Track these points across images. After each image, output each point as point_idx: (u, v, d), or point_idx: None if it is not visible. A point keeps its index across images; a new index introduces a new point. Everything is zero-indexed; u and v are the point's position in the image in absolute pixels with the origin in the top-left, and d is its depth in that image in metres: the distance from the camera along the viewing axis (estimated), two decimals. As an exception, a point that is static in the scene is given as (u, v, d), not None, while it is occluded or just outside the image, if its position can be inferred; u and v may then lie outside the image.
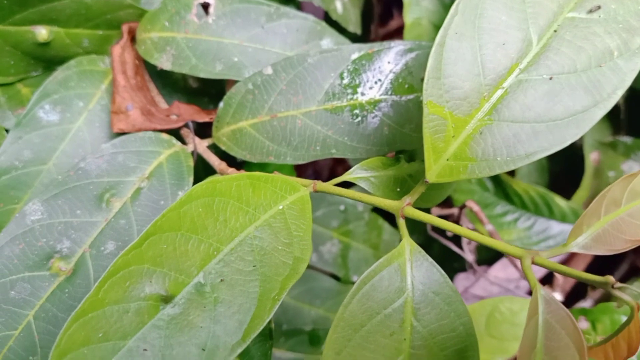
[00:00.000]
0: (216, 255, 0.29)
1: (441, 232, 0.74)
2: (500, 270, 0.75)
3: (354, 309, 0.29)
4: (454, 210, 0.73)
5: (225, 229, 0.30)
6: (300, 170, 0.92)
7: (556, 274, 0.63)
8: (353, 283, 0.65)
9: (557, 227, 0.73)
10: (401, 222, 0.32)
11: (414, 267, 0.30)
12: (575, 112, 0.30)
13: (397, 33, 1.05)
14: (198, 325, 0.28)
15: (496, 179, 0.75)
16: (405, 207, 0.32)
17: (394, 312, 0.30)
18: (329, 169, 0.97)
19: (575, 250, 0.28)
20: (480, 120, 0.31)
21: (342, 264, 0.69)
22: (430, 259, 0.31)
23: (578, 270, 0.27)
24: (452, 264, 0.83)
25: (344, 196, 0.35)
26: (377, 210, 0.69)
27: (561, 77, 0.31)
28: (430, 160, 0.31)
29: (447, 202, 0.77)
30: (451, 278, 0.79)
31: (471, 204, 0.56)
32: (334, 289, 0.67)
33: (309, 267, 0.67)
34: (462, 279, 0.78)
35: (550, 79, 0.30)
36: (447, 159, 0.31)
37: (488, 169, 0.30)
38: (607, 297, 0.73)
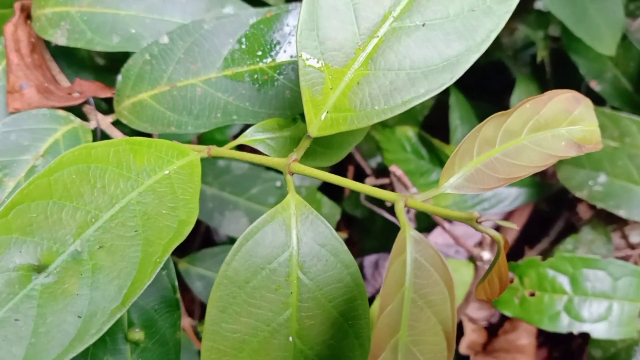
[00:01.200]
0: (94, 223, 0.29)
1: (380, 203, 0.74)
2: (439, 236, 0.76)
3: (236, 265, 0.29)
4: (389, 180, 0.74)
5: (104, 196, 0.29)
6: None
7: (485, 236, 0.64)
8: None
9: (490, 190, 0.74)
10: (289, 178, 0.32)
11: (299, 221, 0.30)
12: (449, 57, 0.30)
13: None
14: (74, 293, 0.27)
15: (430, 147, 0.75)
16: (291, 163, 0.32)
17: (279, 267, 0.29)
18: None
19: (448, 190, 0.28)
20: (357, 71, 0.30)
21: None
22: (316, 213, 0.31)
23: (447, 210, 0.27)
24: (394, 234, 0.83)
25: (237, 159, 0.35)
26: (324, 188, 0.69)
27: (434, 23, 0.31)
28: (310, 113, 0.31)
29: (386, 173, 0.77)
30: (391, 247, 0.80)
31: (394, 168, 0.57)
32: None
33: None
34: (403, 247, 0.79)
35: (424, 25, 0.31)
36: (328, 112, 0.31)
37: (366, 118, 0.30)
38: (544, 255, 0.75)
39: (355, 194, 0.85)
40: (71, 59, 0.48)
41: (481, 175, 0.28)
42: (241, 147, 0.37)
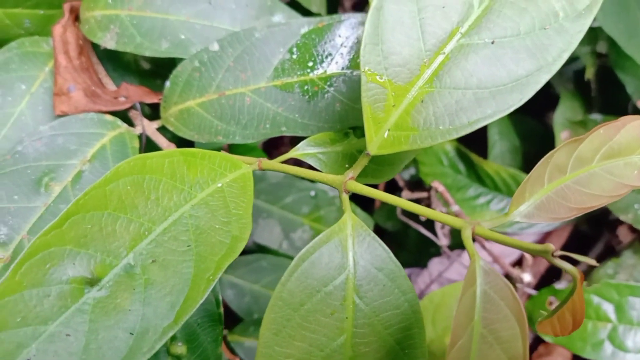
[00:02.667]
0: (147, 236, 0.28)
1: (414, 217, 0.73)
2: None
3: (292, 287, 0.28)
4: (426, 194, 0.72)
5: (157, 208, 0.29)
6: (272, 156, 0.91)
7: (526, 256, 0.62)
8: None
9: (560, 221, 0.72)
10: (344, 197, 0.31)
11: (355, 243, 0.29)
12: (519, 77, 0.29)
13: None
14: (127, 308, 0.27)
15: (468, 161, 0.74)
16: (347, 181, 0.31)
17: (335, 290, 0.28)
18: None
19: (517, 219, 0.27)
20: (421, 88, 0.29)
21: (314, 250, 0.67)
22: (373, 234, 0.30)
23: (519, 240, 0.26)
24: (428, 249, 0.82)
25: (289, 173, 0.34)
26: (354, 197, 0.68)
27: (504, 41, 0.29)
28: (371, 131, 0.29)
29: (421, 186, 0.76)
30: (426, 263, 0.78)
31: (437, 184, 0.55)
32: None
33: (281, 255, 0.66)
34: (436, 263, 0.78)
35: (493, 43, 0.29)
36: (389, 130, 0.30)
37: (430, 138, 0.29)
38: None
39: (386, 206, 0.83)
40: (116, 62, 0.48)
41: (552, 203, 0.27)
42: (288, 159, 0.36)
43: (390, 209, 0.81)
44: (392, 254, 0.29)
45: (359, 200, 0.69)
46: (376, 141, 0.30)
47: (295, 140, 0.38)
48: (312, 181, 0.64)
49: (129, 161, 0.29)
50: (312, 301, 0.28)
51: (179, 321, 0.27)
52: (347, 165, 0.36)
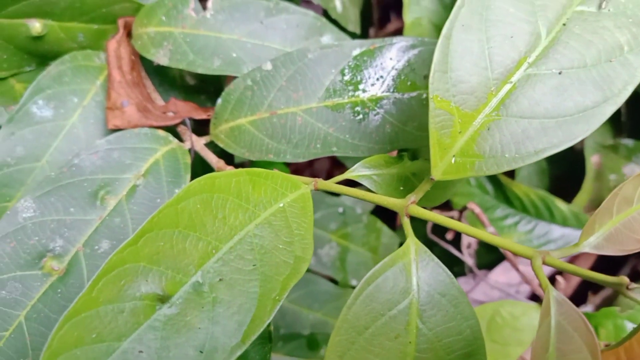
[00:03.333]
0: (215, 254, 0.28)
1: (440, 235, 0.73)
2: (501, 274, 0.74)
3: (357, 310, 0.28)
4: (454, 214, 0.72)
5: (224, 227, 0.29)
6: (298, 172, 0.91)
7: (557, 278, 0.62)
8: (352, 287, 0.64)
9: (558, 231, 0.72)
10: (406, 221, 0.31)
11: (419, 268, 0.29)
12: (585, 108, 0.29)
13: (396, 34, 1.04)
14: (196, 326, 0.27)
15: (496, 182, 0.74)
16: (409, 205, 0.31)
17: (399, 314, 0.28)
18: (327, 172, 0.96)
19: (587, 250, 0.27)
20: (487, 116, 0.30)
21: (340, 267, 0.68)
22: (436, 259, 0.30)
23: (589, 272, 0.26)
24: (452, 268, 0.81)
25: (346, 194, 0.34)
26: (376, 212, 0.68)
27: (570, 72, 0.30)
28: (437, 156, 0.30)
29: (447, 205, 0.76)
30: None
31: (473, 206, 0.55)
32: (333, 293, 0.66)
33: (308, 270, 0.66)
34: (462, 283, 0.77)
35: (560, 73, 0.30)
36: (454, 156, 0.30)
37: (496, 165, 0.29)
38: (608, 302, 0.72)
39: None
40: (163, 77, 0.49)
41: (620, 235, 0.27)
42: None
43: (413, 226, 0.82)
44: (455, 280, 0.29)
45: (380, 215, 0.69)
46: (441, 166, 0.30)
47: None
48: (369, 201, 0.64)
49: (199, 180, 0.29)
50: (376, 325, 0.28)
51: (246, 341, 0.27)
52: (401, 188, 0.36)
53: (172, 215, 0.28)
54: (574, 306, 0.25)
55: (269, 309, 0.28)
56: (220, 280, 0.28)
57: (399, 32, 1.03)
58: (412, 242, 0.30)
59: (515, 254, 0.28)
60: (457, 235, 0.74)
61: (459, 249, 0.72)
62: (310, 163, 0.94)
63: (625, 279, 0.24)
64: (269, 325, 0.37)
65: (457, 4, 0.30)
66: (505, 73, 0.30)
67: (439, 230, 0.72)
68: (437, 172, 0.30)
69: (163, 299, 0.27)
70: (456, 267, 0.80)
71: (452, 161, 0.30)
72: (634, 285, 0.25)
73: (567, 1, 0.31)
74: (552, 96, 0.30)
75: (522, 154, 0.29)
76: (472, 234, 0.29)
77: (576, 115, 0.29)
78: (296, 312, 0.66)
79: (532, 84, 0.30)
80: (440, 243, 0.71)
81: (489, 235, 0.29)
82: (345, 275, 0.68)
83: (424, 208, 0.33)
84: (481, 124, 0.30)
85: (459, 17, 0.30)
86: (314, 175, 1.02)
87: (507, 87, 0.30)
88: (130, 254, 0.26)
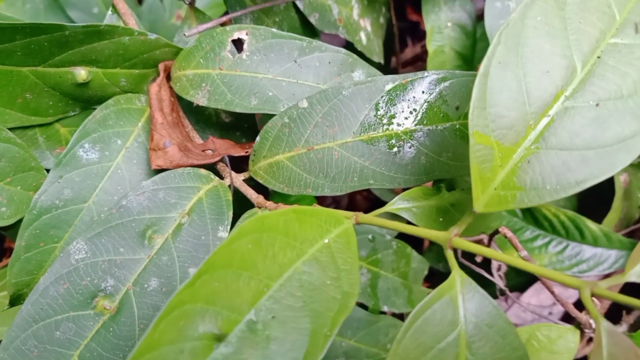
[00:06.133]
0: (266, 292, 0.29)
1: (470, 259, 0.73)
2: (533, 296, 0.74)
3: (407, 344, 0.29)
4: (482, 237, 0.73)
5: (274, 265, 0.30)
6: (320, 201, 0.92)
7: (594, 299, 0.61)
8: (383, 313, 0.64)
9: (589, 251, 0.72)
10: (449, 254, 0.32)
11: (465, 299, 0.30)
12: (625, 138, 0.30)
13: (414, 60, 1.06)
14: (252, 364, 0.27)
15: (525, 204, 0.74)
16: (453, 237, 0.32)
17: (447, 347, 0.29)
18: (348, 196, 0.97)
19: (633, 279, 0.27)
20: (527, 149, 0.30)
21: (371, 293, 0.68)
22: (482, 291, 0.30)
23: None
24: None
25: (388, 228, 0.35)
26: (403, 237, 0.68)
27: (608, 103, 0.30)
28: (478, 190, 0.31)
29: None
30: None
31: (505, 230, 0.55)
32: (364, 320, 0.66)
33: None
34: (494, 306, 0.77)
35: (597, 105, 0.30)
36: (495, 189, 0.31)
37: (538, 197, 0.30)
38: (643, 322, 0.71)
39: (436, 246, 0.83)
40: (199, 116, 0.50)
41: (667, 263, 0.27)
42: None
43: (440, 250, 0.82)
44: (501, 311, 0.30)
45: (407, 240, 0.69)
46: (482, 199, 0.31)
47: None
48: (417, 237, 0.65)
49: (251, 221, 0.30)
50: (426, 357, 0.29)
51: (301, 377, 0.27)
52: (441, 219, 0.37)
53: (226, 256, 0.29)
54: (624, 337, 0.25)
55: (321, 344, 0.28)
56: (272, 317, 0.29)
57: (417, 58, 1.05)
58: (458, 274, 0.30)
59: (564, 285, 0.28)
60: (487, 259, 0.74)
61: (489, 271, 0.71)
62: (350, 196, 0.95)
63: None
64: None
65: (494, 42, 0.31)
66: (543, 107, 0.31)
67: (467, 253, 0.73)
68: (479, 205, 0.31)
69: (219, 338, 0.27)
70: (487, 290, 0.80)
71: (494, 194, 0.30)
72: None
73: (601, 34, 0.32)
74: (591, 127, 0.30)
75: (564, 184, 0.30)
76: (522, 267, 0.30)
77: (615, 146, 0.30)
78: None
79: (571, 117, 0.30)
80: (470, 266, 0.71)
81: (536, 267, 0.29)
82: (377, 302, 0.69)
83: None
84: (521, 157, 0.30)
85: (495, 54, 0.31)
86: (335, 201, 1.02)
87: (546, 120, 0.31)
88: (189, 295, 0.27)
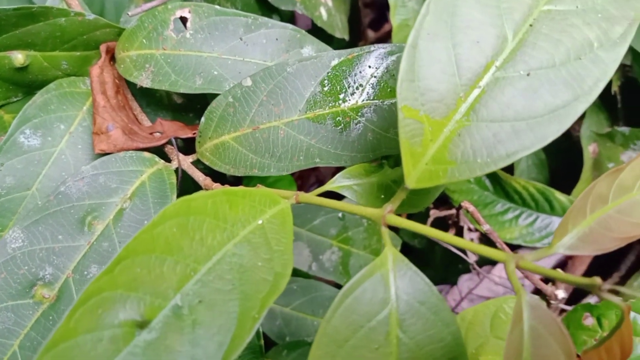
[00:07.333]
0: (193, 276, 0.29)
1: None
2: (504, 270, 0.74)
3: (336, 323, 0.28)
4: (454, 211, 0.72)
5: (202, 248, 0.29)
6: (303, 179, 0.92)
7: (559, 270, 0.61)
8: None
9: (559, 223, 0.72)
10: (384, 230, 0.31)
11: (397, 277, 0.29)
12: (556, 108, 0.29)
13: (390, 36, 1.04)
14: (176, 349, 0.27)
15: (495, 177, 0.74)
16: (387, 215, 0.31)
17: (378, 325, 0.29)
18: (332, 174, 0.97)
19: (560, 251, 0.27)
20: (458, 122, 0.30)
21: (343, 271, 0.68)
22: (415, 268, 0.30)
23: (565, 274, 0.26)
24: (456, 266, 0.81)
25: (326, 206, 0.34)
26: None
27: (540, 73, 0.30)
28: (409, 165, 0.30)
29: (447, 203, 0.76)
30: (454, 279, 0.78)
31: (467, 204, 0.55)
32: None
33: (310, 276, 0.66)
34: (466, 280, 0.77)
35: (528, 75, 0.30)
36: (426, 164, 0.30)
37: (468, 171, 0.29)
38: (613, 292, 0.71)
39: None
40: (150, 98, 0.49)
41: (595, 234, 0.27)
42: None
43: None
44: (434, 287, 0.29)
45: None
46: (414, 175, 0.30)
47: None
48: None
49: (175, 204, 0.29)
50: (356, 337, 0.28)
51: (227, 361, 0.27)
52: (382, 196, 0.36)
53: (149, 241, 0.28)
54: (548, 310, 0.25)
55: (249, 328, 0.28)
56: (199, 302, 0.28)
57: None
58: (390, 251, 0.30)
59: (491, 258, 0.28)
60: (459, 232, 0.74)
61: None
62: (315, 168, 0.94)
63: (597, 280, 0.24)
64: (259, 339, 0.37)
65: (422, 12, 0.30)
66: (473, 78, 0.30)
67: (441, 228, 0.72)
68: (411, 180, 0.30)
69: (142, 325, 0.27)
70: (461, 265, 0.80)
71: (425, 169, 0.30)
72: (607, 286, 0.25)
73: (534, 1, 0.31)
74: (522, 98, 0.29)
75: (494, 157, 0.29)
76: (442, 239, 0.29)
77: (547, 116, 0.29)
78: (300, 320, 0.66)
79: (501, 88, 0.30)
80: (440, 243, 0.71)
81: (458, 239, 0.29)
82: (349, 279, 0.68)
83: (409, 215, 0.33)
84: (452, 131, 0.30)
85: (424, 25, 0.30)
86: (319, 180, 1.01)
87: (476, 92, 0.30)
88: (107, 282, 0.27)
